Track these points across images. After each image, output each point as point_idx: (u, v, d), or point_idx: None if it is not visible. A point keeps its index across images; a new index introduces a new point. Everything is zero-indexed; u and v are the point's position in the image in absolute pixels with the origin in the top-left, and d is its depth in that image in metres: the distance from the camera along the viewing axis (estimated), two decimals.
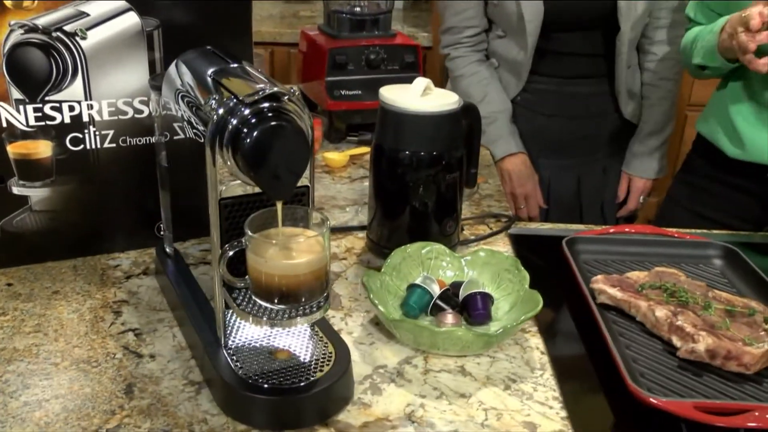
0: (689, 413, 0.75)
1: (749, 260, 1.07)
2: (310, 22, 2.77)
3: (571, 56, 1.62)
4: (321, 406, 0.75)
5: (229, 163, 0.69)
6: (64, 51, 0.94)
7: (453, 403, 0.79)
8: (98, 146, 1.00)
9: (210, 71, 0.77)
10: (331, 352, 0.80)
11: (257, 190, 0.74)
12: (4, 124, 0.95)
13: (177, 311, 0.91)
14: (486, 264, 0.99)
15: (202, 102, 0.73)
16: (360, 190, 1.33)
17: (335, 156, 1.44)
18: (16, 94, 0.94)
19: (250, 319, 0.73)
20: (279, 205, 0.72)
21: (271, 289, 0.72)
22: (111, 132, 1.00)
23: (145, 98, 1.00)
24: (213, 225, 0.74)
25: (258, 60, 1.50)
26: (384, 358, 0.86)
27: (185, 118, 0.78)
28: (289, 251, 0.72)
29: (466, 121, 1.05)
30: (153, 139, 0.98)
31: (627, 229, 1.21)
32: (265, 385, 0.74)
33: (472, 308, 0.90)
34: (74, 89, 0.96)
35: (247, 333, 0.82)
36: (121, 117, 1.00)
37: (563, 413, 0.78)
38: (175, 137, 1.01)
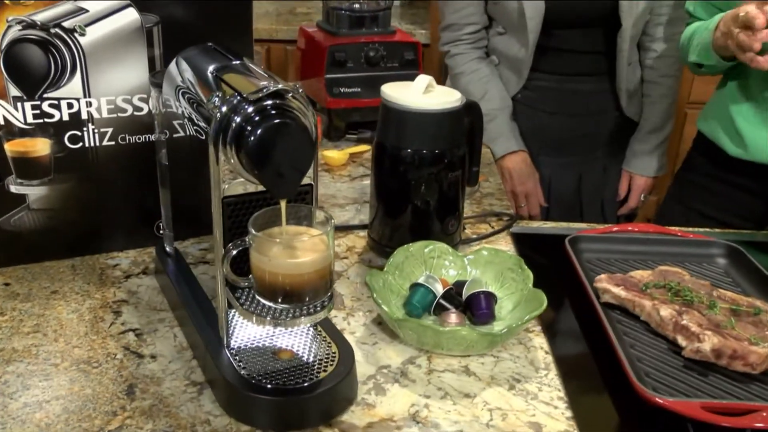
0: (697, 413, 0.75)
1: (753, 259, 1.06)
2: (307, 19, 2.76)
3: (572, 53, 1.61)
4: (325, 406, 0.75)
5: (232, 161, 0.69)
6: (63, 47, 0.93)
7: (457, 403, 0.78)
8: (97, 144, 0.99)
9: (212, 68, 0.76)
10: (334, 352, 0.79)
11: (260, 188, 0.73)
12: (2, 122, 0.94)
13: (178, 311, 0.90)
14: (489, 263, 0.99)
15: (204, 99, 0.72)
16: (360, 189, 1.32)
17: (335, 154, 1.43)
18: (14, 91, 0.93)
19: (254, 318, 0.73)
20: (283, 204, 0.72)
21: (275, 288, 0.71)
22: (110, 130, 0.99)
23: (145, 95, 1.00)
24: (216, 224, 0.73)
25: (256, 57, 1.49)
26: (387, 358, 0.86)
27: (187, 116, 0.77)
28: (293, 250, 0.71)
29: (468, 119, 1.04)
30: (152, 137, 0.97)
31: (630, 228, 1.21)
32: (269, 386, 0.73)
33: (476, 308, 0.90)
34: (73, 86, 0.95)
35: (249, 333, 0.82)
36: (120, 114, 0.99)
37: (568, 413, 0.78)
38: (175, 135, 1.00)
